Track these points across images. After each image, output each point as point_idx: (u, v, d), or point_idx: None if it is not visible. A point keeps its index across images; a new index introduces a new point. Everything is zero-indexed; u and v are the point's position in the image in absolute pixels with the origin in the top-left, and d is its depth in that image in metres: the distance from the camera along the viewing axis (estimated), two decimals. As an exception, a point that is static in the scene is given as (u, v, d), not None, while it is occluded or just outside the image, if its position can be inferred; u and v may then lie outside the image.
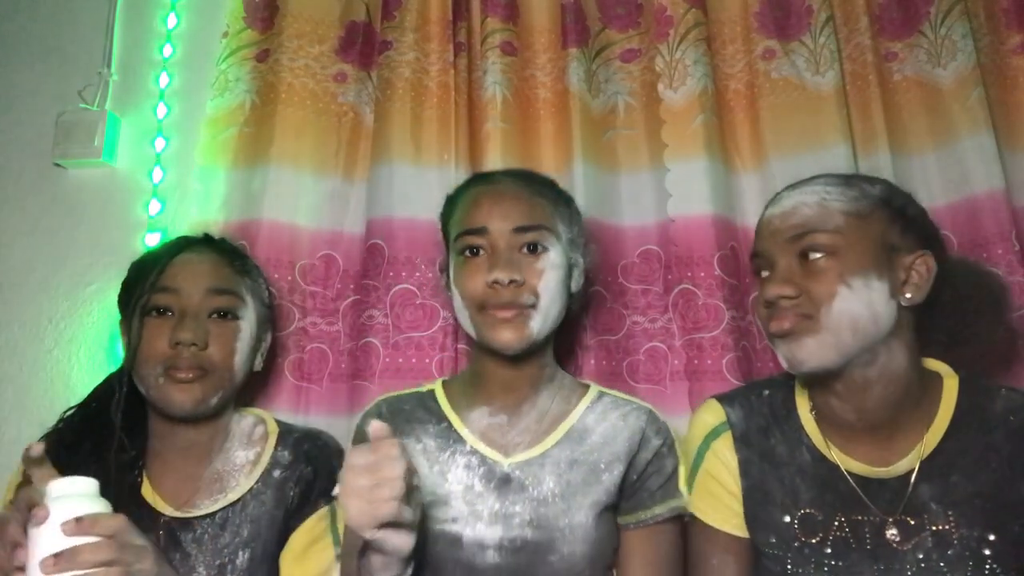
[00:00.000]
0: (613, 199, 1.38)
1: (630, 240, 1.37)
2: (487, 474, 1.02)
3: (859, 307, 0.90)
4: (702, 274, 1.29)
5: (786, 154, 1.34)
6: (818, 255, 0.91)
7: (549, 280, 1.02)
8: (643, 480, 1.02)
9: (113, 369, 1.15)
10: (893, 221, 0.94)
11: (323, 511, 1.08)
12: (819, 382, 0.96)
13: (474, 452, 1.03)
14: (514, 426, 1.05)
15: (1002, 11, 1.34)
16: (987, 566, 0.88)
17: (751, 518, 1.00)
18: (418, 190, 1.37)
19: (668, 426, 1.08)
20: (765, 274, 0.96)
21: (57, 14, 1.63)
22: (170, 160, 1.51)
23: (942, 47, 1.34)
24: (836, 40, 1.36)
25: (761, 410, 1.03)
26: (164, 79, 1.55)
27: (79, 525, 0.80)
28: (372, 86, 1.46)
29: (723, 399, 1.06)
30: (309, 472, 1.09)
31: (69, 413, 1.12)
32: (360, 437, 1.08)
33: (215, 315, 1.09)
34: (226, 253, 1.17)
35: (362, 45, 1.49)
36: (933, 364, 0.99)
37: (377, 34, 1.48)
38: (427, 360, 1.32)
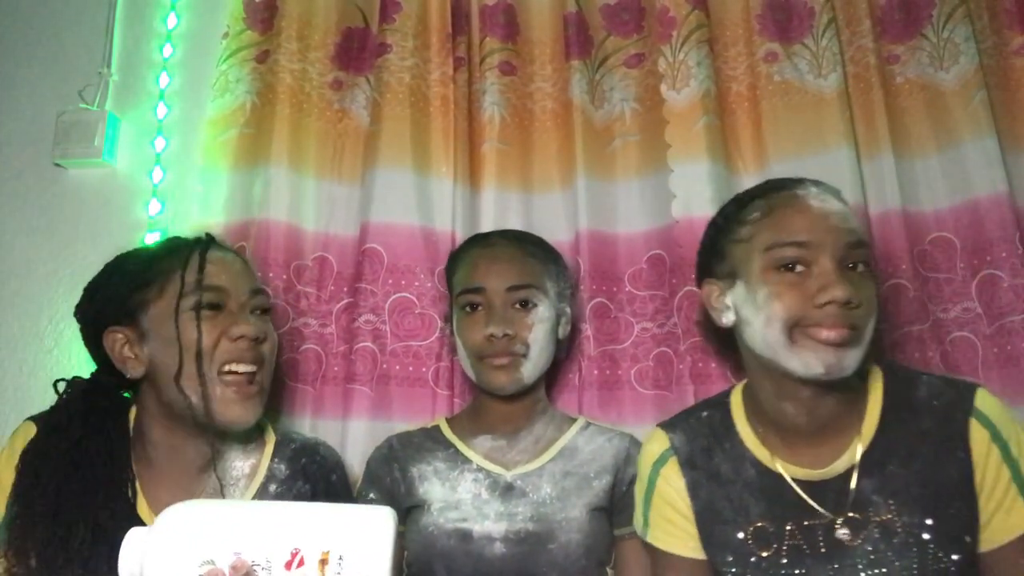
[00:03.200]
0: (618, 208, 1.38)
1: (639, 246, 1.37)
2: (492, 485, 1.13)
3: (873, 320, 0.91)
4: (706, 276, 1.28)
5: (788, 157, 1.33)
6: (863, 268, 0.92)
7: (538, 332, 1.14)
8: (631, 494, 1.10)
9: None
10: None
11: None
12: (789, 387, 0.95)
13: (480, 469, 1.14)
14: (513, 447, 1.16)
15: (1005, 13, 1.34)
16: (928, 550, 0.89)
17: (706, 539, 1.00)
18: (419, 198, 1.37)
19: None
20: (800, 269, 0.91)
21: (57, 14, 1.63)
22: (170, 160, 1.51)
23: (944, 50, 1.34)
24: (838, 43, 1.36)
25: (702, 431, 1.04)
26: (164, 79, 1.55)
27: None
28: (370, 88, 1.46)
29: (665, 426, 1.07)
30: (307, 490, 1.06)
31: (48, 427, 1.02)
32: (369, 474, 1.18)
33: (257, 311, 1.05)
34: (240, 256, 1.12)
35: (358, 51, 1.48)
36: None
37: (374, 36, 1.47)
38: (424, 369, 1.32)
